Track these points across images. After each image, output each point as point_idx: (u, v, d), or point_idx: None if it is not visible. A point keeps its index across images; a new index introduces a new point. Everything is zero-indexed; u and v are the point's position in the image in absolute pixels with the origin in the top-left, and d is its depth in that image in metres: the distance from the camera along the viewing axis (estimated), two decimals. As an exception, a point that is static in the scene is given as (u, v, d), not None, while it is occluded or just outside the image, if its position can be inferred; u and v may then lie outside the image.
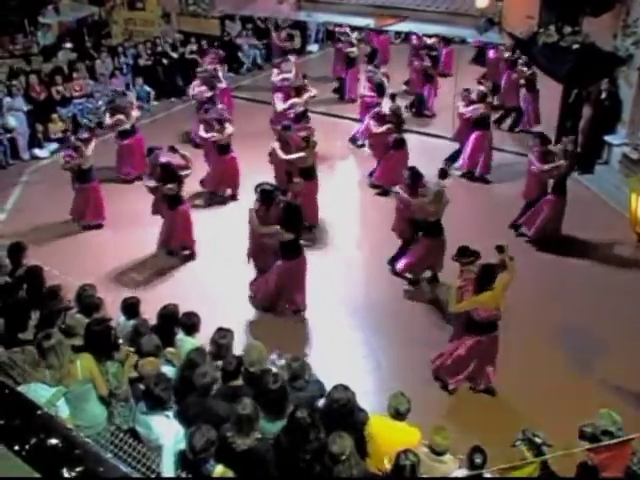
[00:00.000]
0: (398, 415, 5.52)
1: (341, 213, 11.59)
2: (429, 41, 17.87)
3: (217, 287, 9.86)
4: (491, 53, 17.89)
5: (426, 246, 9.63)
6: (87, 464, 2.45)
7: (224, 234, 11.01)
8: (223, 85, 15.25)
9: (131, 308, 6.96)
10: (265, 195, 9.05)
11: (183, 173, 10.23)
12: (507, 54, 16.11)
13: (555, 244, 10.74)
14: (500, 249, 7.73)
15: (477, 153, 13.13)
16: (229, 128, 12.13)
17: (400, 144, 12.53)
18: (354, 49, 17.75)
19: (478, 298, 7.30)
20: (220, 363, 5.86)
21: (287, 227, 8.60)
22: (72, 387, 5.61)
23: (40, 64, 16.58)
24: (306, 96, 13.80)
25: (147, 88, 17.00)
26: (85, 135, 11.62)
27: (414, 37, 18.64)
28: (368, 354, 8.68)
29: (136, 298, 7.17)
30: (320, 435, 5.00)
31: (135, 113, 13.26)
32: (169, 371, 5.92)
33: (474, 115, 12.81)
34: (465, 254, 7.87)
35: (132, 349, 6.19)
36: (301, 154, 10.82)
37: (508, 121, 15.83)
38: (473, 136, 13.04)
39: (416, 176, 9.65)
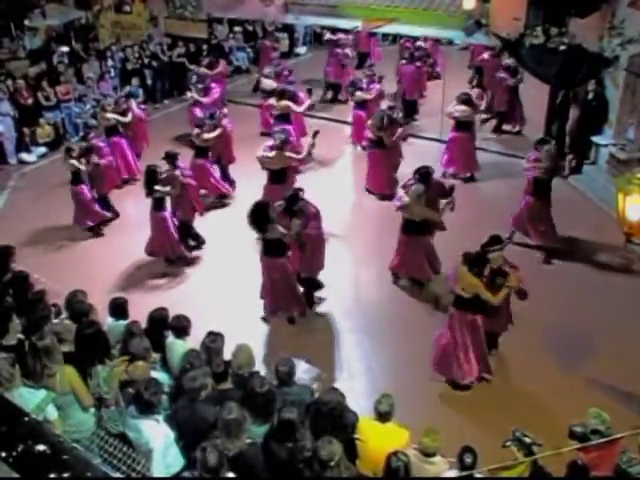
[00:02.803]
0: (380, 416, 5.52)
1: (338, 218, 11.56)
2: (420, 43, 17.89)
3: (211, 291, 9.87)
4: (485, 55, 18.00)
5: (403, 244, 9.65)
6: (75, 470, 2.43)
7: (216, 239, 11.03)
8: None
9: (119, 308, 6.93)
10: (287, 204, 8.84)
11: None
12: (487, 55, 16.50)
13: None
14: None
15: (456, 155, 13.21)
16: (213, 133, 11.99)
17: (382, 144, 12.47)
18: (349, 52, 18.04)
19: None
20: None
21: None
22: (54, 395, 5.58)
23: (27, 68, 16.49)
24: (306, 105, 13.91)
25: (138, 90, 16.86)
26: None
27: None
28: (359, 356, 8.68)
29: (124, 298, 7.14)
30: (306, 438, 4.99)
31: (125, 119, 13.18)
32: (160, 376, 5.91)
33: (459, 117, 12.86)
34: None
35: (126, 357, 6.15)
36: (270, 154, 10.55)
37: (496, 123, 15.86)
38: (453, 137, 13.15)
39: (426, 175, 9.49)
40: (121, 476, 4.44)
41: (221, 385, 5.73)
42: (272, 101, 13.64)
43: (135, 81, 16.29)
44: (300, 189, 9.11)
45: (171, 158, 10.35)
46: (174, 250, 10.45)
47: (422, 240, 9.59)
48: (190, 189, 10.51)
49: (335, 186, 13.14)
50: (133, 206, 11.96)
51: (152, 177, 9.98)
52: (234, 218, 11.64)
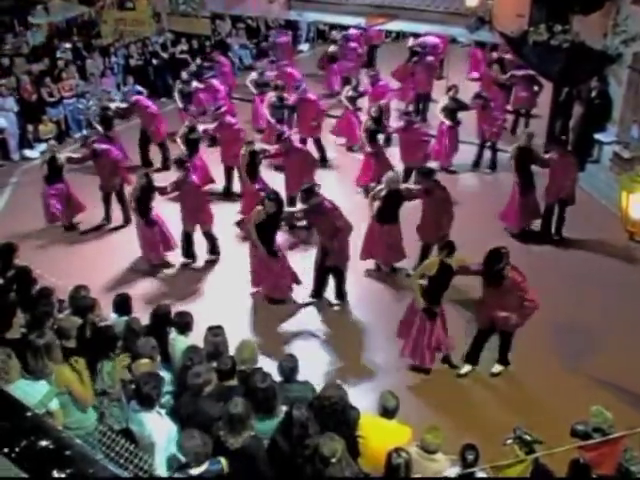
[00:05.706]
0: (386, 413, 5.52)
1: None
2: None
3: (213, 287, 9.92)
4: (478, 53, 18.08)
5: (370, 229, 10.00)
6: (77, 465, 2.43)
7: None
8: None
9: (123, 304, 6.95)
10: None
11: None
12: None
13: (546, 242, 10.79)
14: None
15: (442, 145, 13.49)
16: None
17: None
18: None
19: None
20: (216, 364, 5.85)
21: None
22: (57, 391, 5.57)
23: (29, 64, 16.47)
24: None
25: (139, 87, 16.86)
26: None
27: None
28: (362, 354, 8.68)
29: (127, 294, 7.15)
30: (314, 434, 5.00)
31: None
32: (166, 375, 5.90)
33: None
34: None
35: (126, 355, 6.13)
36: None
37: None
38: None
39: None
40: (123, 472, 4.43)
41: (227, 382, 5.71)
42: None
43: (130, 79, 16.30)
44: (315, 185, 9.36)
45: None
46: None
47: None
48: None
49: (335, 183, 13.17)
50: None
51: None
52: (236, 214, 11.69)
